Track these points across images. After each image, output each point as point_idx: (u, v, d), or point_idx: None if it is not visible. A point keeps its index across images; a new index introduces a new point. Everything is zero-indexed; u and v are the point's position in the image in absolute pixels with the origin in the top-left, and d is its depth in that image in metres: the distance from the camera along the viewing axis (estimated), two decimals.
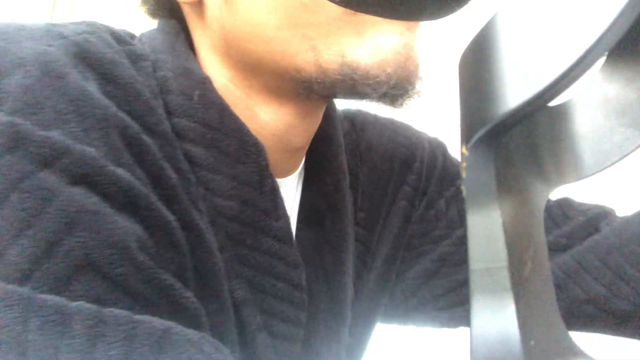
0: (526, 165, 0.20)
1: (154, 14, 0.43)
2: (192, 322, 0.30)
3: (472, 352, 0.17)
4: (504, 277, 0.17)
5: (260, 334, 0.38)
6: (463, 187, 0.19)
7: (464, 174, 0.18)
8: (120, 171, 0.29)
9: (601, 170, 0.20)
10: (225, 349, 0.28)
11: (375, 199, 0.52)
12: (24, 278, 0.24)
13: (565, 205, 0.50)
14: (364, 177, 0.52)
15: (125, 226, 0.28)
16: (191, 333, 0.27)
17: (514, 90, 0.16)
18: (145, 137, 0.32)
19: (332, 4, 0.32)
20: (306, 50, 0.35)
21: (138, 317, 0.25)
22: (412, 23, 0.35)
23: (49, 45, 0.30)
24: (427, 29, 0.37)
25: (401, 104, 0.37)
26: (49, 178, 0.26)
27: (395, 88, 0.36)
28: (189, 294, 0.30)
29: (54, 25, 0.33)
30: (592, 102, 0.20)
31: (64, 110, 0.28)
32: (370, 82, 0.35)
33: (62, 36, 0.32)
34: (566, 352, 0.17)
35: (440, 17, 0.34)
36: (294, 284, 0.40)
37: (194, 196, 0.35)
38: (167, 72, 0.37)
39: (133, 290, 0.27)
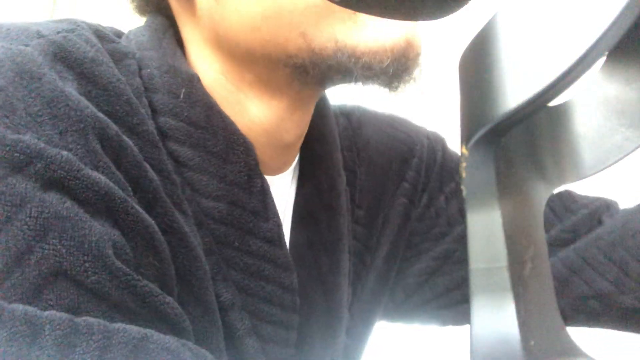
0: (526, 165, 0.20)
1: (142, 10, 0.42)
2: (174, 328, 0.29)
3: (472, 352, 0.17)
4: (504, 277, 0.17)
5: (249, 338, 0.37)
6: (463, 187, 0.19)
7: (464, 174, 0.18)
8: (97, 175, 0.28)
9: (601, 170, 0.20)
10: (207, 355, 0.27)
11: (374, 196, 0.52)
12: None
13: (566, 198, 0.50)
14: (362, 175, 0.52)
15: (101, 232, 0.27)
16: (169, 340, 0.26)
17: (514, 90, 0.16)
18: (126, 139, 0.31)
19: None
20: (296, 37, 0.34)
21: (113, 325, 0.25)
22: None
23: (25, 45, 0.29)
24: (427, 27, 0.37)
25: (396, 88, 0.36)
26: (20, 183, 0.25)
27: (393, 77, 0.35)
28: (169, 299, 0.29)
29: (33, 23, 0.32)
30: (592, 102, 0.20)
31: (38, 112, 0.27)
32: (366, 70, 0.34)
33: (39, 35, 0.31)
34: (566, 352, 0.17)
35: (440, 17, 0.34)
36: (285, 286, 0.39)
37: (178, 198, 0.34)
38: (153, 70, 0.36)
39: (109, 298, 0.26)
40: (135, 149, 0.31)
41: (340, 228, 0.46)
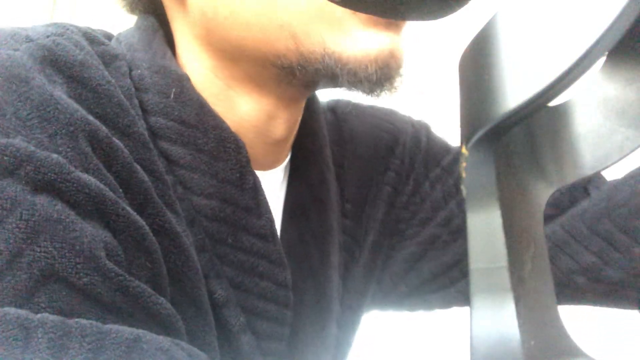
0: (526, 165, 0.20)
1: (132, 7, 0.42)
2: (167, 328, 0.29)
3: (472, 352, 0.17)
4: (504, 277, 0.17)
5: (245, 334, 0.38)
6: (463, 187, 0.19)
7: (464, 174, 0.18)
8: (87, 177, 0.28)
9: (601, 170, 0.20)
10: (200, 354, 0.27)
11: (360, 188, 0.52)
12: None
13: None
14: (348, 167, 0.52)
15: (92, 234, 0.27)
16: (163, 340, 0.26)
17: (514, 90, 0.16)
18: (116, 140, 0.31)
19: None
20: (286, 38, 0.35)
21: (106, 326, 0.25)
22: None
23: (15, 50, 0.30)
24: (418, 28, 0.38)
25: (377, 95, 0.37)
26: (11, 187, 0.25)
27: (376, 84, 0.36)
28: (161, 300, 0.29)
29: (22, 28, 0.32)
30: (592, 102, 0.20)
31: (27, 116, 0.27)
32: (351, 76, 0.35)
33: (28, 39, 0.31)
34: (566, 352, 0.17)
35: (440, 17, 0.34)
36: (278, 282, 0.40)
37: (170, 198, 0.34)
38: (143, 70, 0.36)
39: (102, 299, 0.26)
40: (125, 150, 0.31)
41: (330, 222, 0.47)
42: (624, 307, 0.45)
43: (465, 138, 0.18)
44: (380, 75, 0.35)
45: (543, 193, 0.20)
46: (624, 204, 0.41)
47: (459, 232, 0.51)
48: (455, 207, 0.51)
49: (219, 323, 0.36)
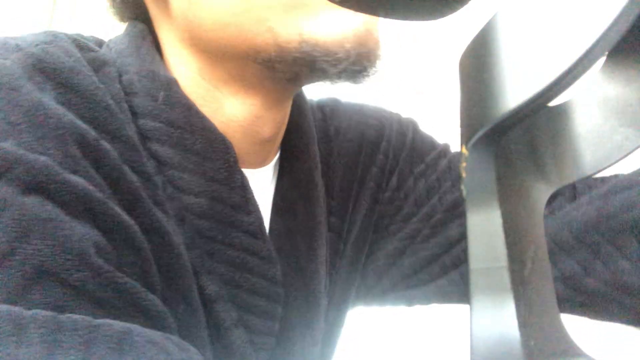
0: (526, 165, 0.20)
1: (121, 16, 0.44)
2: (157, 324, 0.30)
3: (472, 352, 0.17)
4: (504, 277, 0.17)
5: (237, 329, 0.38)
6: (463, 187, 0.19)
7: (464, 174, 0.18)
8: (76, 178, 0.29)
9: (601, 170, 0.20)
10: (191, 348, 0.28)
11: (345, 185, 0.53)
12: None
13: None
14: (334, 164, 0.53)
15: (82, 232, 0.27)
16: (154, 334, 0.27)
17: (514, 90, 0.16)
18: (105, 144, 0.32)
19: None
20: (264, 32, 0.35)
21: (97, 321, 0.25)
22: None
23: (5, 59, 0.31)
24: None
25: (361, 81, 0.38)
26: (1, 188, 0.26)
27: (355, 64, 0.36)
28: (151, 296, 0.30)
29: (11, 38, 0.34)
30: (592, 102, 0.20)
31: (16, 121, 0.28)
32: (330, 58, 0.35)
33: (18, 49, 0.32)
34: (566, 352, 0.17)
35: (440, 17, 0.34)
36: (269, 278, 0.40)
37: (159, 198, 0.35)
38: (132, 75, 0.38)
39: (93, 295, 0.27)
40: (114, 153, 0.32)
41: (317, 218, 0.48)
42: (603, 320, 0.43)
43: (465, 138, 0.18)
44: (359, 52, 0.36)
45: (543, 193, 0.20)
46: (614, 216, 0.40)
47: (439, 227, 0.51)
48: (437, 202, 0.51)
49: (210, 319, 0.37)
